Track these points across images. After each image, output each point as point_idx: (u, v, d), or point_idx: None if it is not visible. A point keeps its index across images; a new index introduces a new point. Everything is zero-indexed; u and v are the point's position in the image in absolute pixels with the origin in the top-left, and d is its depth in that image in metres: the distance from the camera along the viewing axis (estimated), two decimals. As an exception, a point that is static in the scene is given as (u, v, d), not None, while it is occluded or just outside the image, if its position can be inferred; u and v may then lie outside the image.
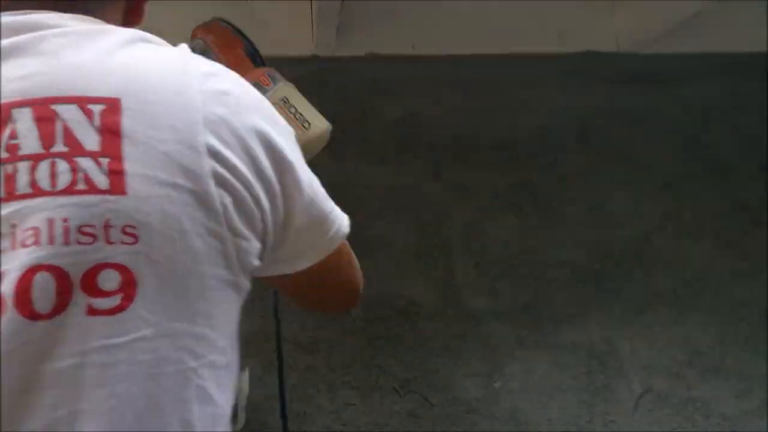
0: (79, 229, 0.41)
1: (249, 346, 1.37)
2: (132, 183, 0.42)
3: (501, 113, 1.52)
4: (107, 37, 0.48)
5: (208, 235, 0.45)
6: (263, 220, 0.48)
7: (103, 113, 0.44)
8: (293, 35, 1.44)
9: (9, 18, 0.47)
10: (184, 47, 0.53)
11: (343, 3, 1.43)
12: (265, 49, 1.44)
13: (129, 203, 0.42)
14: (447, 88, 1.53)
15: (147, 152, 0.43)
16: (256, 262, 0.49)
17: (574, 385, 1.39)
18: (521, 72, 1.53)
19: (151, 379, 0.43)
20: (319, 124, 1.12)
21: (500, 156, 1.50)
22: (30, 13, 0.48)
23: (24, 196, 0.41)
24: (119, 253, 0.41)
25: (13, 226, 0.41)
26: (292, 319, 1.38)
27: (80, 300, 0.40)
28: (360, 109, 1.51)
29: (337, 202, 1.18)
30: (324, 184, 0.55)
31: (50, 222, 0.41)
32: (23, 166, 0.42)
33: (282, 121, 0.54)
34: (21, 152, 0.42)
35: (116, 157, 0.43)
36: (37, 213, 0.41)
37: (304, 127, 1.12)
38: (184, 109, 0.45)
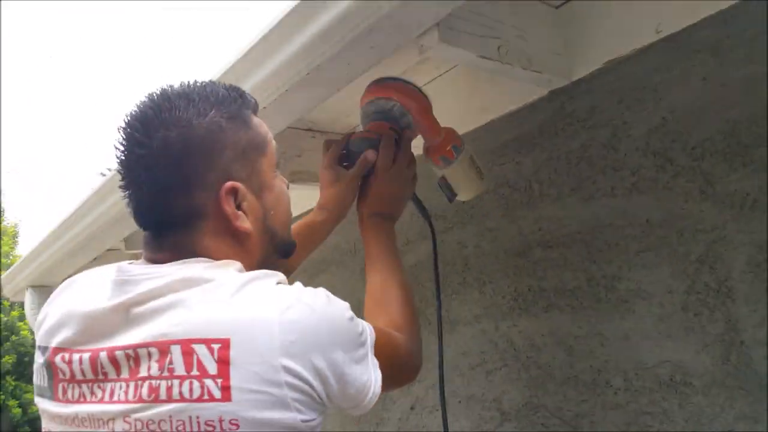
0: (206, 423, 0.70)
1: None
2: (234, 393, 0.70)
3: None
4: (225, 288, 0.76)
5: (283, 420, 0.72)
6: (321, 400, 0.76)
7: (219, 349, 0.72)
8: (522, 82, 1.37)
9: (175, 271, 0.79)
10: (277, 282, 0.81)
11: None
12: (502, 105, 1.46)
13: (233, 407, 0.70)
14: (713, 60, 1.13)
15: (244, 373, 0.71)
16: (316, 422, 0.76)
17: None
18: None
19: None
20: (486, 172, 1.22)
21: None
22: (187, 265, 0.80)
23: (176, 401, 0.71)
24: None
25: (170, 416, 0.71)
26: (555, 390, 1.26)
27: None
28: (609, 131, 1.28)
29: (588, 252, 1.23)
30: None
31: (190, 419, 0.70)
32: (176, 383, 0.71)
33: (341, 333, 0.80)
34: (174, 373, 0.72)
35: (226, 377, 0.71)
36: (184, 413, 0.70)
37: (481, 177, 1.21)
38: (268, 338, 0.72)
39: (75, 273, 2.60)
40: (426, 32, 1.09)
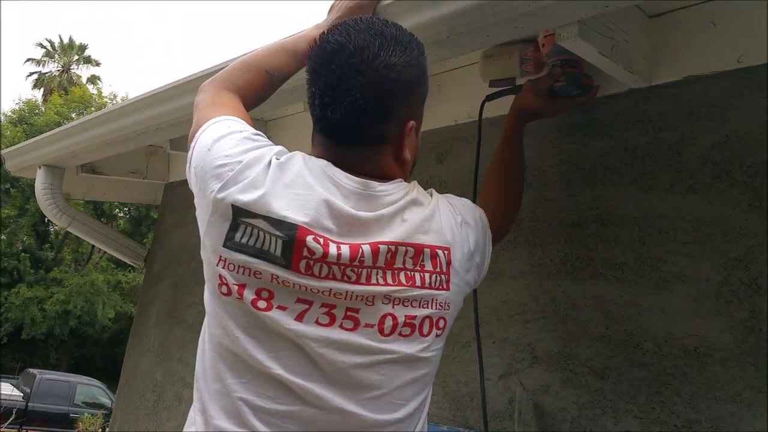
0: (439, 304, 1.07)
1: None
2: (452, 285, 1.09)
3: None
4: (437, 210, 1.12)
5: (462, 303, 1.15)
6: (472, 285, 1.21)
7: (447, 254, 1.08)
8: (609, 75, 1.61)
9: (401, 191, 1.10)
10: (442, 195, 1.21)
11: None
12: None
13: (450, 294, 1.09)
14: (779, 101, 1.42)
15: (455, 272, 1.10)
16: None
17: None
18: None
19: None
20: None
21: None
22: (403, 186, 1.11)
23: (427, 288, 1.04)
24: (444, 314, 1.08)
25: (421, 297, 1.04)
26: (588, 344, 1.57)
27: None
28: (676, 136, 1.56)
29: (639, 234, 1.58)
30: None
31: (432, 300, 1.05)
32: (426, 275, 1.05)
33: (486, 229, 1.26)
34: (425, 268, 1.05)
35: (447, 274, 1.08)
36: (429, 296, 1.04)
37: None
38: (461, 253, 1.12)
39: (101, 160, 2.71)
40: (567, 25, 1.33)
